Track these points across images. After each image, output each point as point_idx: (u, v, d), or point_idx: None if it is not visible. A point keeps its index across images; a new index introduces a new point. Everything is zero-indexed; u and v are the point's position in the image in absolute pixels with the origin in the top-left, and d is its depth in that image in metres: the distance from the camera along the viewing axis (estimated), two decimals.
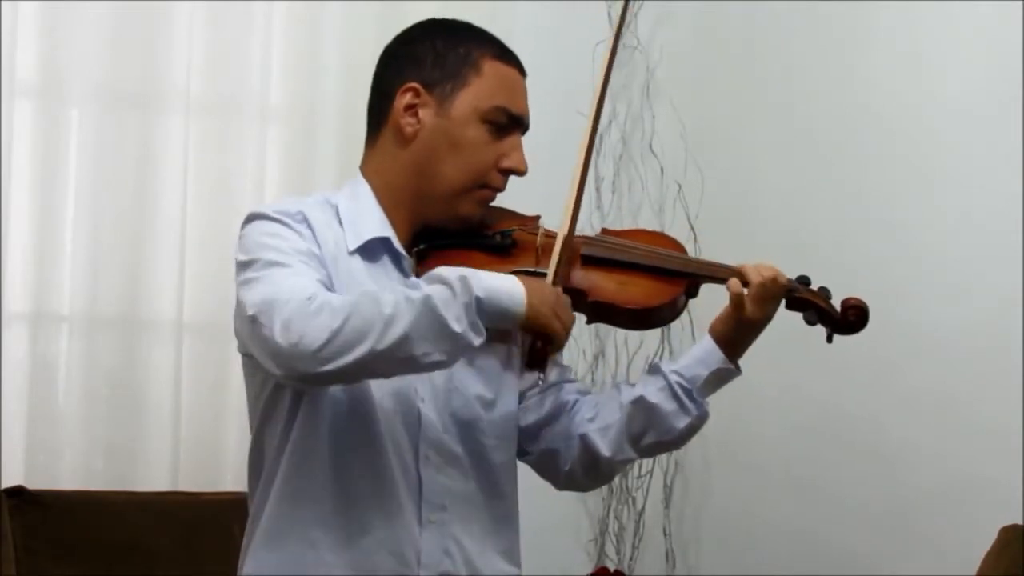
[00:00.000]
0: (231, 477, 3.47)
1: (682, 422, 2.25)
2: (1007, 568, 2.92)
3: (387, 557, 2.12)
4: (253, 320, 2.03)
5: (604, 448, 2.27)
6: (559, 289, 2.12)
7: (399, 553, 2.12)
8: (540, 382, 2.21)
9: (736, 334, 2.25)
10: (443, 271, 2.04)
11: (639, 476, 3.84)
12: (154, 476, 3.39)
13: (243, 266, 2.12)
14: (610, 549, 3.87)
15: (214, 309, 3.45)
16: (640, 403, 2.25)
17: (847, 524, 3.47)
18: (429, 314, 1.99)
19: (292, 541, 2.13)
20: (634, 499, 3.86)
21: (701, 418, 2.27)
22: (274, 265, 2.08)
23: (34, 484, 3.21)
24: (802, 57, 3.69)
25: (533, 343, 2.14)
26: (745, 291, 2.22)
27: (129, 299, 3.40)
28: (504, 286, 2.05)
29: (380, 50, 2.32)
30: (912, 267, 3.40)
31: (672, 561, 3.84)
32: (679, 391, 2.24)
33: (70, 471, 3.34)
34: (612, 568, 3.83)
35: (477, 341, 2.02)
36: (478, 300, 2.01)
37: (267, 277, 2.07)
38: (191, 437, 3.44)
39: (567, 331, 2.11)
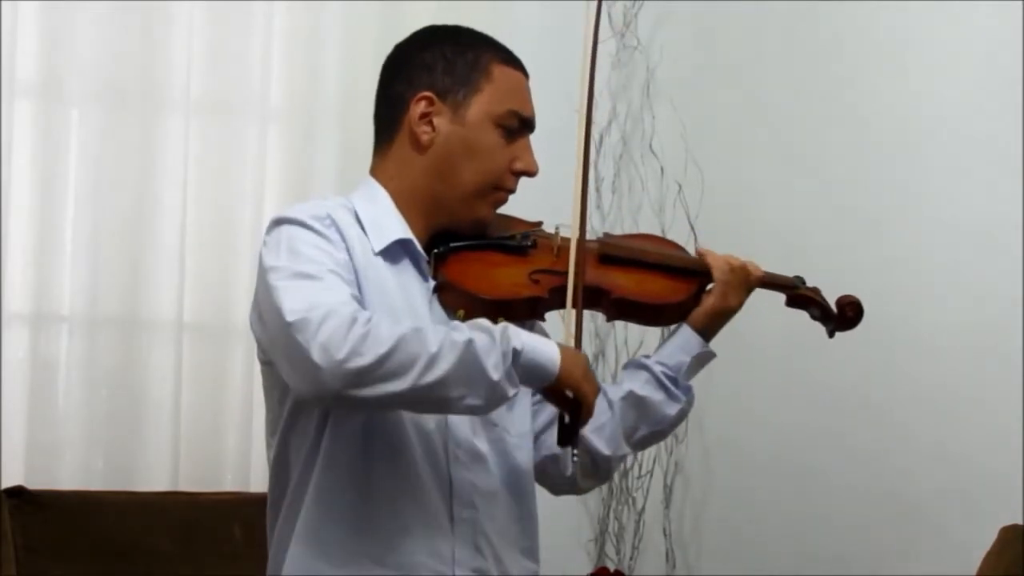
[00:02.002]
0: (231, 477, 3.48)
1: (672, 409, 2.34)
2: (1007, 568, 2.92)
3: (426, 557, 2.14)
4: (290, 329, 2.01)
5: (602, 447, 2.32)
6: (587, 358, 2.15)
7: (437, 552, 2.14)
8: (574, 460, 2.18)
9: (712, 320, 2.35)
10: (485, 322, 2.08)
11: (639, 476, 3.84)
12: (154, 476, 3.39)
13: (273, 272, 2.09)
14: (610, 549, 3.87)
15: (214, 309, 3.46)
16: (630, 397, 2.32)
17: (847, 524, 3.47)
18: (470, 358, 2.01)
19: (332, 544, 2.14)
20: (634, 499, 3.86)
21: (690, 402, 2.35)
22: (308, 277, 2.07)
23: (34, 484, 3.21)
24: (802, 57, 3.69)
25: (561, 418, 2.14)
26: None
27: (129, 299, 3.40)
28: (541, 344, 2.08)
29: (380, 51, 2.32)
30: (913, 266, 3.40)
31: (672, 561, 3.84)
32: (665, 380, 2.32)
33: (70, 471, 3.34)
34: (612, 568, 3.83)
35: (511, 392, 2.05)
36: (515, 352, 2.03)
37: (302, 288, 2.06)
38: (191, 437, 3.44)
39: (595, 397, 2.11)
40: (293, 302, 2.03)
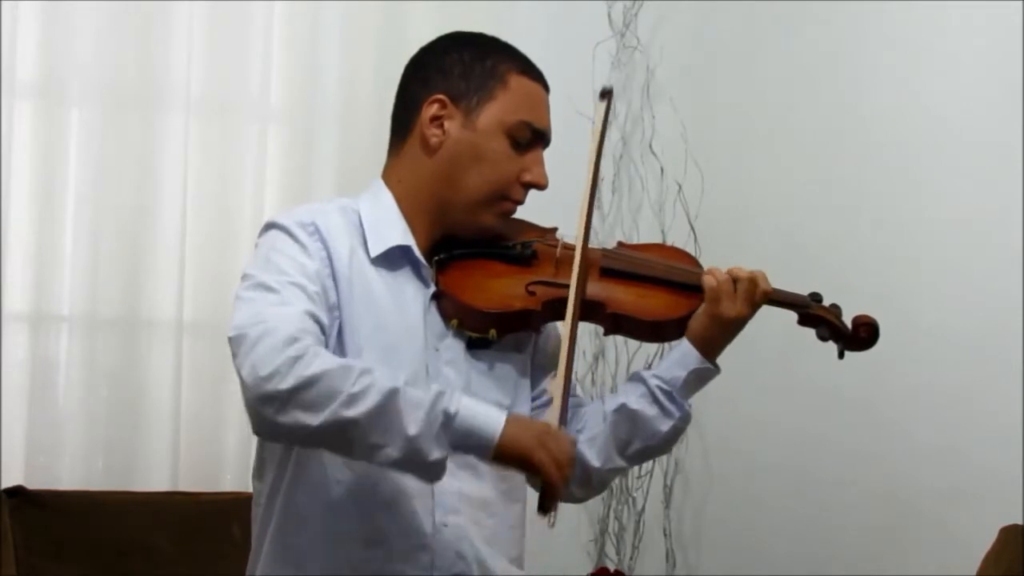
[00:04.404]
0: (231, 477, 3.48)
1: (665, 425, 2.28)
2: (1007, 568, 2.92)
3: (402, 562, 2.12)
4: (231, 343, 2.04)
5: (593, 459, 2.29)
6: (552, 425, 2.05)
7: (414, 558, 2.13)
8: (551, 526, 2.05)
9: (710, 332, 2.26)
10: (435, 387, 2.02)
11: (639, 476, 3.84)
12: (154, 476, 3.39)
13: (243, 280, 2.13)
14: (610, 549, 3.88)
15: (214, 309, 3.46)
16: (622, 411, 2.28)
17: (847, 524, 3.47)
18: (389, 406, 1.96)
19: (300, 552, 2.13)
20: (634, 499, 3.86)
21: (684, 419, 2.29)
22: (265, 289, 2.08)
23: (34, 484, 3.22)
24: (801, 57, 3.69)
25: (542, 488, 2.05)
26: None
27: (129, 299, 3.41)
28: (483, 410, 2.00)
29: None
30: (913, 266, 3.40)
31: (672, 561, 3.84)
32: (660, 395, 2.26)
33: (70, 471, 3.34)
34: (612, 568, 3.83)
35: (435, 453, 1.97)
36: (447, 413, 1.98)
37: (253, 301, 2.07)
38: (191, 437, 3.45)
39: (557, 464, 2.01)
40: (240, 317, 2.05)
